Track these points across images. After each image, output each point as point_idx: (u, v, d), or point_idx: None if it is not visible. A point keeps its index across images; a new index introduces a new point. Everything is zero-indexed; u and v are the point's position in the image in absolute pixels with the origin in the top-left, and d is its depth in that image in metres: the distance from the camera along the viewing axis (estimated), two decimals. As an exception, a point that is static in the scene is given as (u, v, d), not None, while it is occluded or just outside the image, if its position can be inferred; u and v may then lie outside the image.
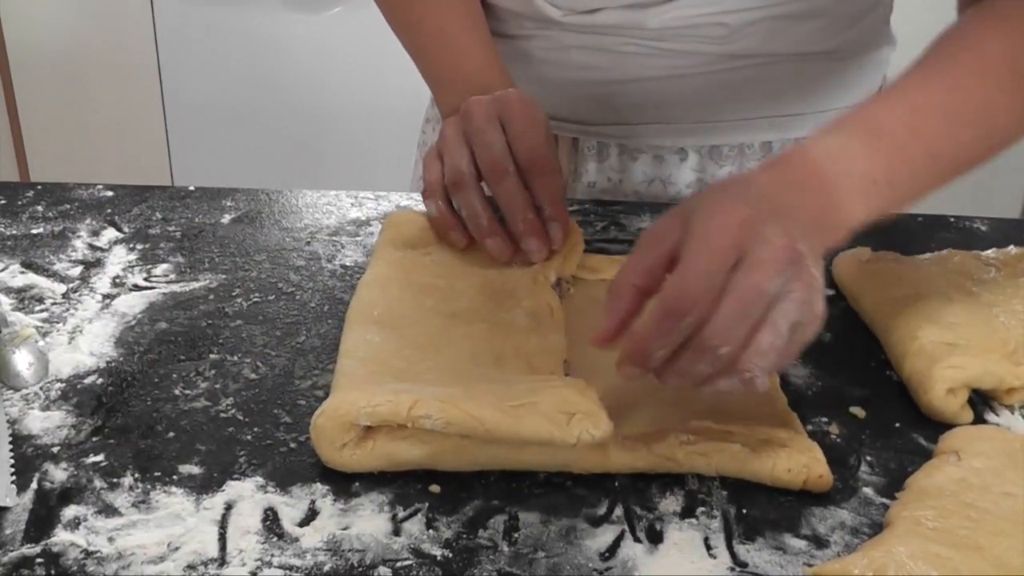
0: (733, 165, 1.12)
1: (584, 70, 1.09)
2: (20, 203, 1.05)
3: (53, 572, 0.63)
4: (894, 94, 0.81)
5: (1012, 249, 0.95)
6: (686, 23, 1.03)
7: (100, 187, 1.08)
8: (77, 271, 0.94)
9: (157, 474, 0.71)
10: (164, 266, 0.95)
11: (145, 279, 0.93)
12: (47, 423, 0.75)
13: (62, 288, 0.91)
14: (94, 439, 0.74)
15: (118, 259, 0.96)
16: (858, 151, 0.75)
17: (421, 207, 0.97)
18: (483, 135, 0.91)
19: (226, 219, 1.03)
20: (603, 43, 1.06)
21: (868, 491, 0.72)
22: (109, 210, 1.04)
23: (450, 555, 0.65)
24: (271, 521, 0.67)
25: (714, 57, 1.05)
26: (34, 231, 1.00)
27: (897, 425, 0.78)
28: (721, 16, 1.02)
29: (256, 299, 0.90)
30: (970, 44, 0.84)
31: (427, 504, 0.69)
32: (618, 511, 0.69)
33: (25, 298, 0.90)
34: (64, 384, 0.79)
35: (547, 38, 1.09)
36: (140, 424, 0.75)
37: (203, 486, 0.70)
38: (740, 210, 0.67)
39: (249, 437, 0.74)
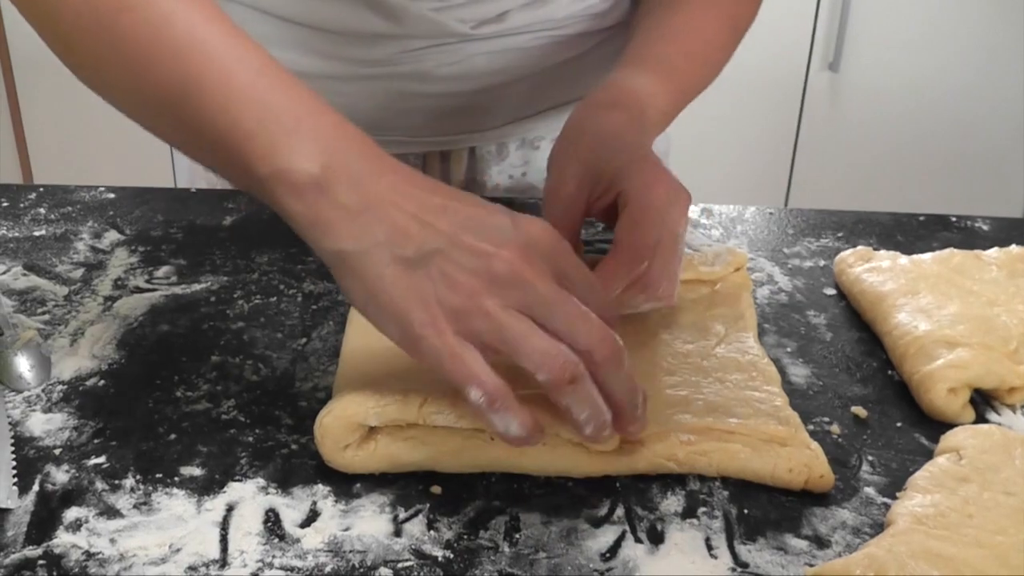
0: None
1: (486, 75, 1.07)
2: (22, 205, 1.05)
3: (55, 574, 0.63)
4: (664, 38, 0.98)
5: (1014, 248, 0.95)
6: (586, 5, 1.08)
7: (102, 189, 1.09)
8: (79, 273, 0.94)
9: (158, 476, 0.71)
10: (166, 268, 0.95)
11: (147, 281, 0.93)
12: (49, 425, 0.75)
13: (64, 290, 0.91)
14: (96, 441, 0.74)
15: (120, 261, 0.96)
16: (657, 87, 0.92)
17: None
18: (564, 303, 0.67)
19: (228, 221, 1.04)
20: (509, 44, 1.06)
21: (869, 491, 0.72)
22: (111, 212, 1.05)
23: (451, 556, 0.65)
24: (272, 522, 0.67)
25: (601, 30, 1.11)
26: (36, 233, 1.00)
27: (898, 425, 0.78)
28: None
29: (257, 301, 0.91)
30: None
31: (428, 505, 0.69)
32: (619, 512, 0.69)
33: (27, 300, 0.90)
34: (66, 386, 0.79)
35: (448, 52, 1.04)
36: (141, 426, 0.75)
37: (204, 488, 0.70)
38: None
39: (250, 439, 0.74)
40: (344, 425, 0.70)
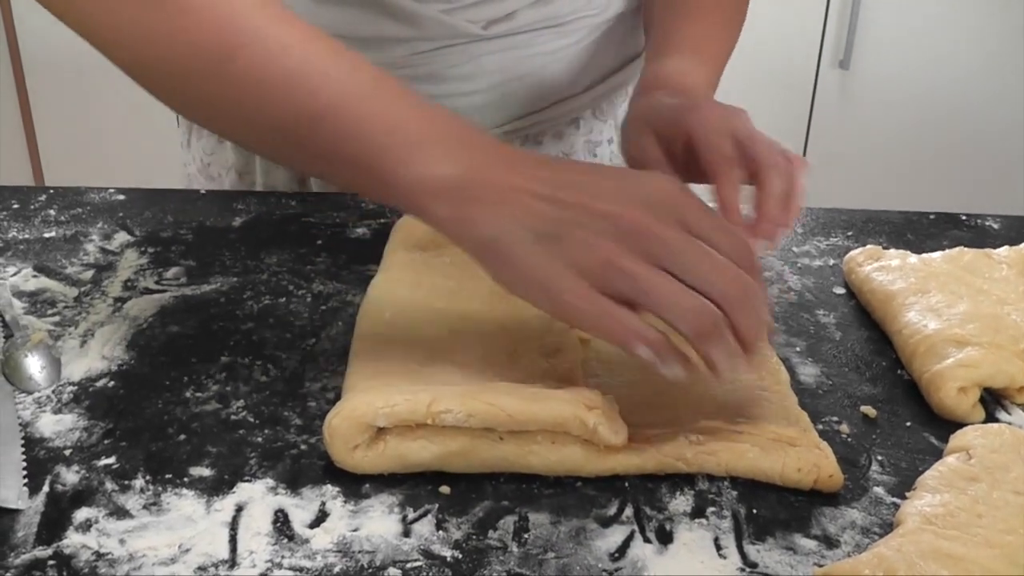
0: (611, 118, 1.21)
1: (496, 73, 1.08)
2: (33, 207, 1.06)
3: (65, 574, 0.63)
4: (684, 28, 1.01)
5: (1024, 247, 0.95)
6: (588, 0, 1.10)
7: (112, 190, 1.09)
8: (89, 274, 0.94)
9: (168, 476, 0.71)
10: (175, 269, 0.95)
11: (156, 282, 0.93)
12: (59, 426, 0.76)
13: (74, 292, 0.92)
14: (106, 442, 0.74)
15: (130, 262, 0.96)
16: (698, 68, 0.97)
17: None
18: (705, 255, 0.69)
19: (237, 222, 1.04)
20: (516, 42, 1.08)
21: (879, 490, 0.71)
22: (121, 213, 1.05)
23: (460, 556, 0.65)
24: (281, 523, 0.67)
25: (602, 21, 1.13)
26: (46, 235, 1.01)
27: (908, 424, 0.78)
28: None
29: (267, 302, 0.91)
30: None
31: (437, 505, 0.69)
32: (628, 511, 0.69)
33: (37, 302, 0.90)
34: (76, 387, 0.80)
35: (459, 52, 1.06)
36: (151, 427, 0.76)
37: (214, 488, 0.70)
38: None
39: (259, 439, 0.75)
40: (353, 425, 0.70)
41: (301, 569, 0.64)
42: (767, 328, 0.72)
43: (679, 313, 0.68)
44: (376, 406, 0.70)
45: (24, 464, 0.71)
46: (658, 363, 0.69)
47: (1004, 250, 0.94)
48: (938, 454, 0.74)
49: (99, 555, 0.65)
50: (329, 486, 0.70)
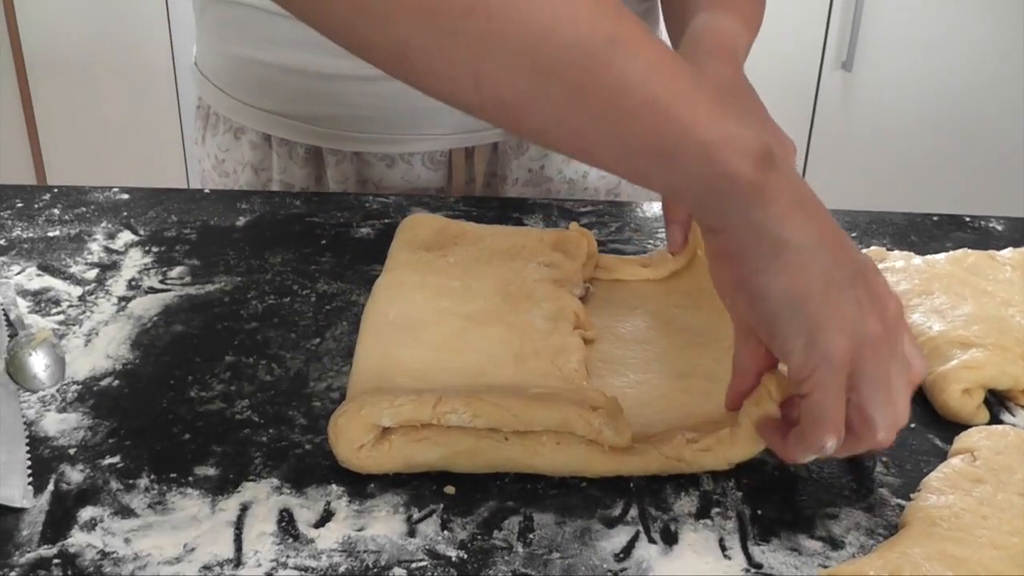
0: None
1: None
2: (37, 206, 1.06)
3: (70, 573, 0.63)
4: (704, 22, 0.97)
5: (1028, 248, 0.95)
6: None
7: (116, 190, 1.09)
8: (93, 274, 0.94)
9: (173, 475, 0.71)
10: (179, 268, 0.95)
11: (161, 281, 0.93)
12: (64, 425, 0.76)
13: (78, 291, 0.92)
14: (110, 441, 0.74)
15: (134, 262, 0.96)
16: (725, 64, 0.91)
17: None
18: (899, 381, 0.67)
19: (241, 222, 1.04)
20: None
21: (883, 492, 0.71)
22: (125, 213, 1.05)
23: (465, 556, 0.65)
24: (286, 522, 0.67)
25: None
26: (50, 234, 1.01)
27: (912, 426, 0.78)
28: None
29: (271, 301, 0.91)
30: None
31: (442, 505, 0.69)
32: (633, 512, 0.69)
33: (42, 300, 0.90)
34: (80, 386, 0.80)
35: None
36: (156, 426, 0.76)
37: (219, 488, 0.70)
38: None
39: (264, 439, 0.75)
40: (358, 425, 0.70)
41: (306, 569, 0.64)
42: None
43: (885, 422, 0.65)
44: (381, 406, 0.70)
45: (29, 463, 0.71)
46: (821, 453, 0.66)
47: (1008, 252, 0.94)
48: (943, 456, 0.74)
49: (104, 554, 0.65)
50: (334, 486, 0.70)
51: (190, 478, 0.71)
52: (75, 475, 0.71)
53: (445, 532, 0.67)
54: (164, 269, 0.95)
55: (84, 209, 1.05)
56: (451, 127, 1.11)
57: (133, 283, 0.93)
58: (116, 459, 0.72)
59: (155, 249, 0.99)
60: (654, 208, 1.08)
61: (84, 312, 0.89)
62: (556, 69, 0.61)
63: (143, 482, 0.70)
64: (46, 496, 0.69)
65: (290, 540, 0.66)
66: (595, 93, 0.62)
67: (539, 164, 1.16)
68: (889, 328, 0.65)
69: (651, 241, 1.01)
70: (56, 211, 1.05)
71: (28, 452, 0.72)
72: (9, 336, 0.83)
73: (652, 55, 0.63)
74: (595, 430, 0.70)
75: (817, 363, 0.64)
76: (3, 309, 0.86)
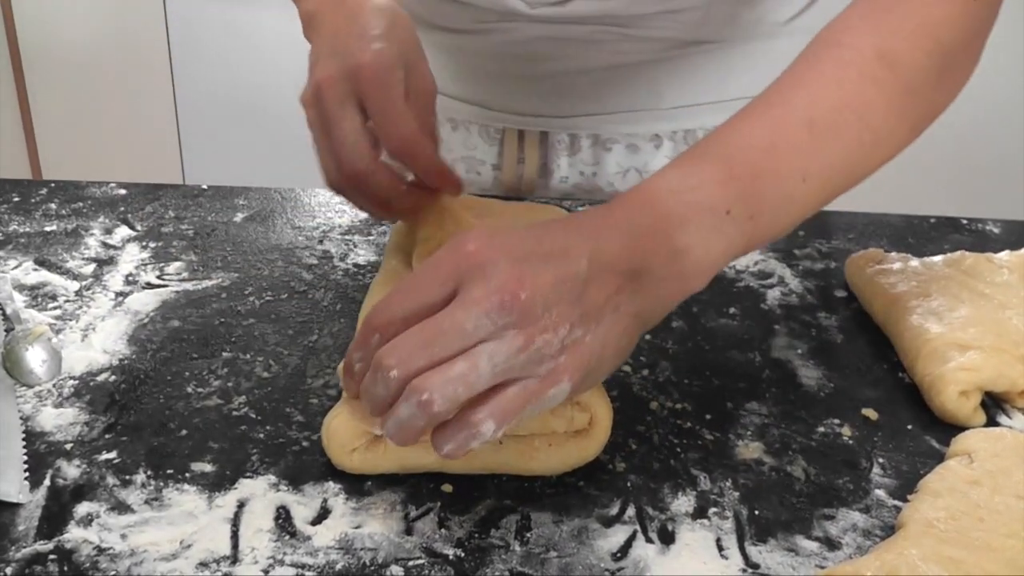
0: None
1: (552, 60, 1.08)
2: (33, 200, 1.05)
3: (66, 568, 0.63)
4: (754, 111, 0.72)
5: (1025, 251, 0.95)
6: (660, 7, 1.03)
7: (113, 185, 1.09)
8: (90, 269, 0.94)
9: (170, 472, 0.71)
10: (177, 264, 0.95)
11: (158, 277, 0.93)
12: (60, 420, 0.75)
13: (75, 285, 0.91)
14: (107, 436, 0.74)
15: (131, 257, 0.96)
16: (707, 180, 0.67)
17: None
18: (337, 126, 0.78)
19: (239, 218, 1.04)
20: (572, 32, 1.05)
21: (880, 493, 0.71)
22: (122, 208, 1.05)
23: (462, 554, 0.65)
24: (283, 519, 0.67)
25: (682, 41, 1.06)
26: (47, 229, 1.00)
27: (909, 427, 0.78)
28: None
29: (268, 298, 0.91)
30: (838, 39, 0.75)
31: (439, 503, 0.69)
32: (630, 511, 0.69)
33: (38, 295, 0.90)
34: (77, 381, 0.80)
35: (511, 30, 1.06)
36: (153, 422, 0.76)
37: (215, 484, 0.70)
38: (476, 243, 0.61)
39: (261, 435, 0.74)
40: (352, 429, 0.70)
41: (303, 566, 0.64)
42: None
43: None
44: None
45: (25, 458, 0.71)
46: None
47: (1005, 254, 0.94)
48: (939, 457, 0.74)
49: (100, 550, 0.64)
50: (331, 483, 0.70)
51: (187, 474, 0.71)
52: (71, 470, 0.71)
53: (442, 530, 0.67)
54: (161, 265, 0.95)
55: (81, 204, 1.05)
56: (498, 103, 1.13)
57: (130, 278, 0.93)
58: (112, 455, 0.72)
59: (152, 245, 0.98)
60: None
61: (81, 307, 0.89)
62: None
63: (139, 478, 0.70)
64: (42, 491, 0.69)
65: (287, 537, 0.66)
66: None
67: (591, 170, 1.15)
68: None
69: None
70: (53, 206, 1.05)
71: (24, 447, 0.72)
72: (5, 331, 0.83)
73: None
74: (567, 419, 0.70)
75: None
76: None
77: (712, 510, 0.69)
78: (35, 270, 0.94)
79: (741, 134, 0.71)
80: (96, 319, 0.87)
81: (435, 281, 0.61)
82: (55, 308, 0.88)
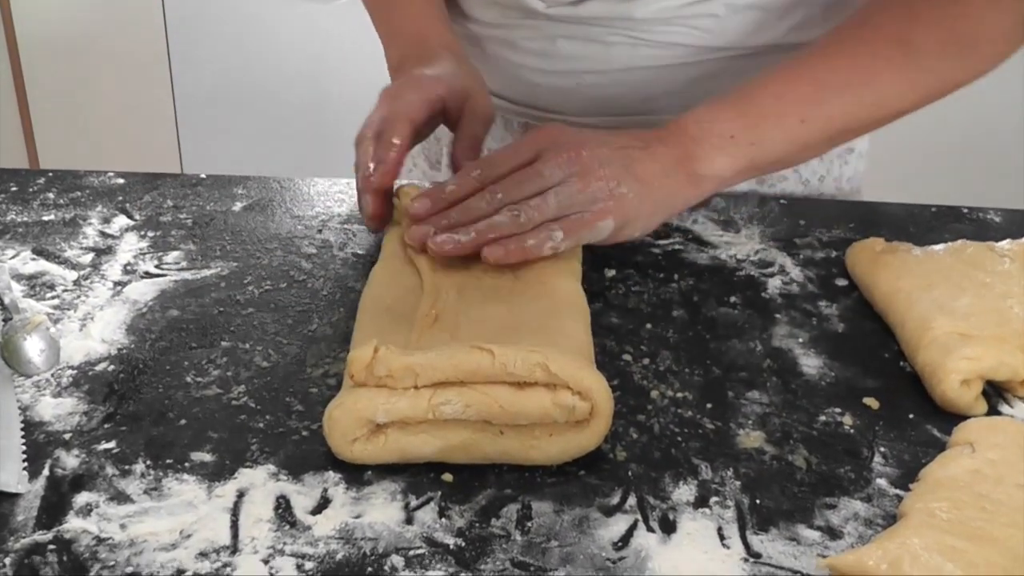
0: None
1: (570, 60, 1.09)
2: (31, 190, 1.05)
3: (65, 558, 0.63)
4: (777, 70, 0.93)
5: (1026, 240, 0.94)
6: (675, 13, 1.04)
7: (111, 174, 1.08)
8: (88, 258, 0.94)
9: (169, 461, 0.71)
10: (175, 253, 0.95)
11: (156, 266, 0.93)
12: (59, 410, 0.75)
13: (73, 275, 0.91)
14: (106, 426, 0.74)
15: (129, 246, 0.96)
16: (722, 115, 0.90)
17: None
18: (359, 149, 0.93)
19: (237, 207, 1.03)
20: (589, 33, 1.06)
21: (882, 482, 0.71)
22: (120, 197, 1.04)
23: (463, 544, 0.65)
24: (283, 509, 0.67)
25: (697, 49, 1.06)
26: (45, 218, 1.00)
27: (911, 416, 0.78)
28: (710, 5, 1.03)
29: (268, 287, 0.90)
30: (864, 20, 0.94)
31: (440, 493, 0.69)
32: (631, 501, 0.69)
33: (36, 285, 0.90)
34: (75, 371, 0.79)
35: (532, 27, 1.09)
36: (152, 411, 0.75)
37: (215, 474, 0.70)
38: (553, 128, 0.90)
39: (261, 425, 0.74)
40: (354, 419, 0.69)
41: (303, 556, 0.64)
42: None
43: None
44: (377, 401, 0.69)
45: (24, 448, 0.71)
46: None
47: (1007, 243, 0.94)
48: (941, 446, 0.74)
49: (100, 540, 0.64)
50: (331, 473, 0.70)
51: (186, 464, 0.71)
52: (70, 460, 0.71)
53: (443, 520, 0.67)
54: (160, 254, 0.95)
55: (79, 193, 1.05)
56: (520, 98, 1.15)
57: (128, 268, 0.93)
58: (112, 444, 0.72)
59: (151, 234, 0.98)
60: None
61: (79, 297, 0.88)
62: None
63: (139, 468, 0.70)
64: (41, 481, 0.69)
65: (287, 527, 0.66)
66: None
67: None
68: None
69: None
70: (51, 195, 1.04)
71: (23, 437, 0.72)
72: (3, 320, 0.83)
73: None
74: (568, 409, 0.69)
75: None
76: (-2, 293, 0.86)
77: (713, 499, 0.69)
78: (33, 259, 0.93)
79: (759, 84, 0.92)
80: (95, 308, 0.87)
81: (523, 149, 0.88)
82: (53, 297, 0.88)
